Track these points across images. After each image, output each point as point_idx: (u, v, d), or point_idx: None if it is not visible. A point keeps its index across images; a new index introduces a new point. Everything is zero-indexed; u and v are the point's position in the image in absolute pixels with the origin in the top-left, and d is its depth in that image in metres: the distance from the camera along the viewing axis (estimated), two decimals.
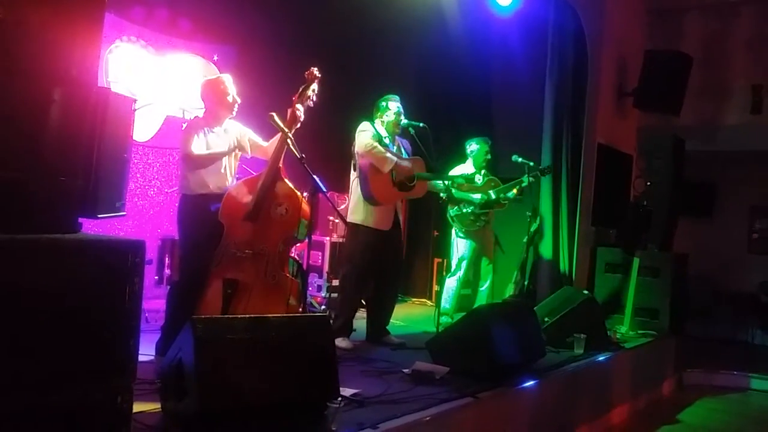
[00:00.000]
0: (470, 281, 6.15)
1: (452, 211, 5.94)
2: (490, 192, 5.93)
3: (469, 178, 5.65)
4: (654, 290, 6.75)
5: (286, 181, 4.01)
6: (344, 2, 6.35)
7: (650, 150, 7.49)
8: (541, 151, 6.63)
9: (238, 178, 4.21)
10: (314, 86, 4.06)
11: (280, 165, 3.99)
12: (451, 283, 6.07)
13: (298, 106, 4.00)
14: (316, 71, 4.07)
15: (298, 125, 4.01)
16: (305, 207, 3.95)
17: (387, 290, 5.14)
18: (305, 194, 4.26)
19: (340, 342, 4.77)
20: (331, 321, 4.96)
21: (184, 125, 4.22)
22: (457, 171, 5.98)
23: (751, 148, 8.10)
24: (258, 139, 4.21)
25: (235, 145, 4.12)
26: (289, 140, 3.91)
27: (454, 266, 6.13)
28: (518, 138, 6.49)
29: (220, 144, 4.04)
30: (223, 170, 4.06)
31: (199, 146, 3.94)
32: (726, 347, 8.45)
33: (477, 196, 5.91)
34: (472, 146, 6.04)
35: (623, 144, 7.74)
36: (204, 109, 4.18)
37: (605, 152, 7.20)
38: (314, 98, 4.08)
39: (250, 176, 4.17)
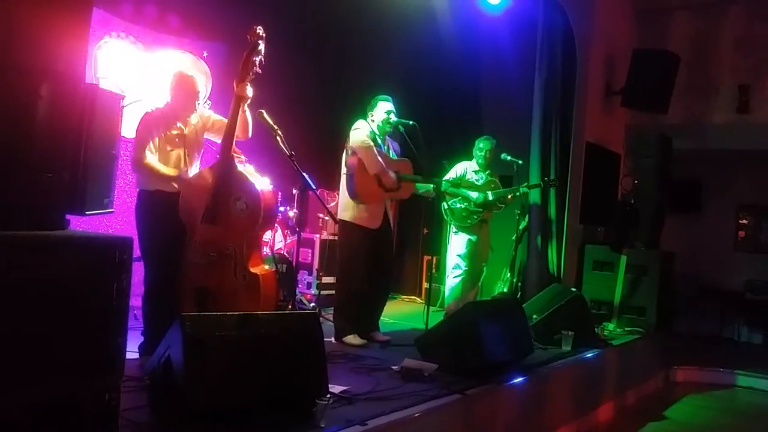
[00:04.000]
0: (475, 277, 6.07)
1: (448, 203, 5.93)
2: (488, 193, 5.93)
3: (456, 182, 5.64)
4: (641, 288, 6.79)
5: (242, 168, 3.75)
6: (334, 0, 6.35)
7: (638, 148, 7.54)
8: (530, 149, 6.65)
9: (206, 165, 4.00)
10: (260, 47, 3.67)
11: (234, 152, 3.73)
12: (452, 283, 6.03)
13: (245, 82, 3.67)
14: (260, 30, 3.69)
15: (248, 101, 3.75)
16: (266, 195, 3.72)
17: (377, 288, 5.15)
18: (295, 191, 4.22)
19: (351, 339, 4.82)
20: (333, 322, 4.98)
21: (145, 112, 3.90)
22: (459, 167, 6.00)
23: (737, 147, 8.16)
24: (223, 120, 3.95)
25: (195, 148, 3.95)
26: (278, 138, 3.86)
27: (451, 265, 6.06)
28: (507, 136, 6.51)
29: (176, 142, 3.82)
30: (181, 162, 3.84)
31: (152, 156, 3.73)
32: (712, 344, 8.51)
33: (474, 194, 5.91)
34: (479, 145, 6.06)
35: (611, 142, 7.79)
36: (168, 101, 3.97)
37: (593, 150, 7.23)
38: (262, 61, 3.68)
39: (205, 168, 3.90)
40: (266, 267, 3.85)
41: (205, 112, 4.03)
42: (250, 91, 3.75)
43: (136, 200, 3.87)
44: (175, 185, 3.81)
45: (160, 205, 3.76)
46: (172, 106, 3.93)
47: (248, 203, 3.66)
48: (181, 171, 3.86)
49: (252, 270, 3.70)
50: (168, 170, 3.78)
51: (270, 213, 3.80)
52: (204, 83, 3.92)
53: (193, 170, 3.94)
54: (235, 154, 3.80)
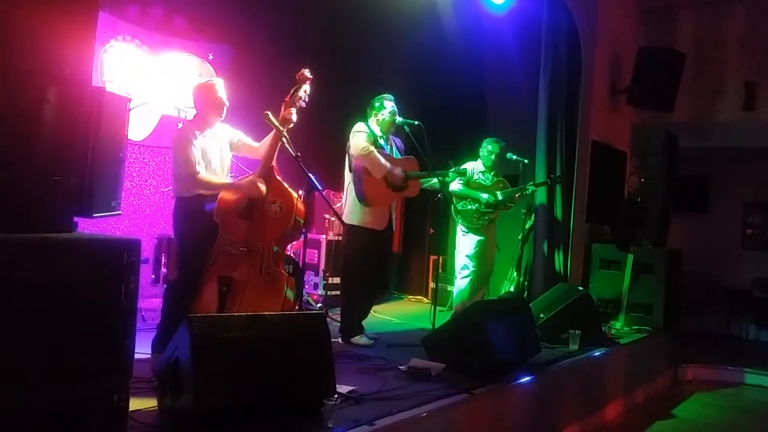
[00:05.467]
0: (483, 277, 6.06)
1: (458, 205, 5.93)
2: (498, 193, 5.94)
3: (461, 172, 5.59)
4: (648, 286, 6.78)
5: (279, 179, 4.03)
6: (339, 1, 6.36)
7: (644, 147, 7.53)
8: (536, 148, 6.64)
9: (232, 177, 4.22)
10: (305, 87, 4.07)
11: (273, 164, 4.01)
12: (460, 284, 6.01)
13: (291, 109, 4.01)
14: (307, 72, 4.08)
15: (291, 125, 4.03)
16: (299, 205, 3.98)
17: (372, 287, 5.15)
18: (301, 192, 4.29)
19: (359, 340, 4.86)
20: (339, 323, 5.00)
21: (180, 125, 4.19)
22: (466, 167, 5.99)
23: (744, 145, 8.14)
24: (248, 141, 4.22)
25: (225, 158, 4.14)
26: (284, 139, 3.93)
27: (459, 266, 6.04)
28: (513, 135, 6.50)
29: (212, 148, 4.04)
30: (216, 170, 4.07)
31: (198, 160, 3.91)
32: (720, 342, 8.49)
33: (485, 195, 5.91)
34: (487, 146, 6.05)
35: (617, 141, 7.77)
36: (195, 113, 4.20)
37: (599, 149, 7.22)
38: (306, 99, 4.09)
39: (243, 176, 4.18)
40: (289, 275, 4.01)
41: (233, 132, 4.21)
42: (295, 116, 4.03)
43: (174, 206, 4.08)
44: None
45: (196, 210, 3.96)
46: (201, 115, 4.11)
47: (282, 206, 3.95)
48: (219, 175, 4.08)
49: (277, 269, 3.89)
50: (220, 180, 4.02)
51: (299, 221, 4.02)
52: (222, 87, 4.06)
53: (225, 179, 4.15)
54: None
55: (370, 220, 4.90)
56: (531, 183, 6.14)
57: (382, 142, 4.98)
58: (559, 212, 6.66)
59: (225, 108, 4.09)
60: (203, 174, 3.91)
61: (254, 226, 3.91)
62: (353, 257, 4.97)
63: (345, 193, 5.04)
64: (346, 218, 4.92)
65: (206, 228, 3.93)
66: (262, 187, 3.88)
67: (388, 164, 4.85)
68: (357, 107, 5.26)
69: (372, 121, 5.02)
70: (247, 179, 3.99)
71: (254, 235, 3.90)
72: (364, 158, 4.81)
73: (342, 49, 7.04)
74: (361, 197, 4.86)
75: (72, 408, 2.20)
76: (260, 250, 3.88)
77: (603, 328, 6.01)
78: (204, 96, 4.07)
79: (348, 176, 4.98)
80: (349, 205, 4.95)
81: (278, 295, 3.85)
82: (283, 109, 4.03)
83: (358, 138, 4.84)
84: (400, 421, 3.15)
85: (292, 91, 4.06)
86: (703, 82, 8.15)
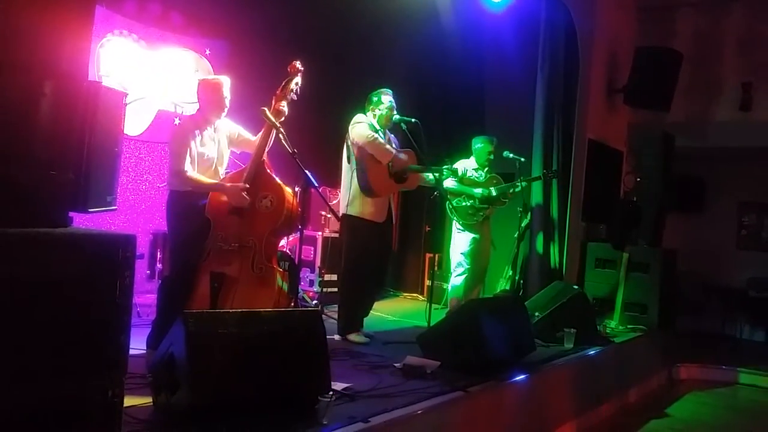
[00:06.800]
0: (478, 275, 6.05)
1: (453, 201, 5.93)
2: (491, 189, 5.93)
3: (453, 171, 5.56)
4: (643, 285, 6.80)
5: (271, 173, 4.02)
6: None
7: (640, 146, 7.54)
8: (533, 146, 6.65)
9: (227, 172, 4.20)
10: (297, 79, 4.05)
11: (264, 158, 3.99)
12: (455, 281, 6.00)
13: (282, 101, 3.99)
14: (298, 64, 4.06)
15: (283, 118, 4.00)
16: (290, 199, 3.95)
17: (372, 283, 5.14)
18: (297, 189, 4.29)
19: (354, 337, 4.84)
20: (335, 320, 5.00)
21: (177, 120, 4.18)
22: (459, 165, 5.97)
23: (740, 145, 8.14)
24: (248, 135, 4.20)
25: (224, 154, 4.13)
26: (281, 135, 3.91)
27: (454, 264, 6.04)
28: (510, 133, 6.51)
29: (210, 144, 4.03)
30: (212, 167, 4.06)
31: (190, 161, 3.91)
32: (715, 342, 8.51)
33: (478, 190, 5.91)
34: (478, 144, 6.04)
35: (614, 140, 7.78)
36: (197, 108, 4.18)
37: (596, 148, 7.23)
38: (297, 91, 4.07)
39: (236, 170, 4.16)
40: (283, 270, 3.98)
41: (233, 127, 4.20)
42: (286, 108, 4.02)
43: (167, 199, 4.06)
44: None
45: (189, 204, 3.95)
46: (202, 112, 4.10)
47: (273, 201, 3.91)
48: (213, 171, 4.06)
49: (269, 264, 3.86)
50: (209, 180, 3.98)
51: (291, 215, 3.99)
52: (228, 86, 4.08)
53: (221, 174, 4.13)
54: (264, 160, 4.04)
55: (370, 212, 4.86)
56: (522, 177, 6.10)
57: (380, 134, 4.97)
58: (555, 211, 6.67)
59: (226, 109, 4.08)
60: (191, 173, 3.89)
61: (246, 221, 3.88)
62: (353, 252, 4.91)
63: (342, 185, 5.01)
64: (343, 209, 4.88)
65: (199, 223, 3.92)
66: (246, 197, 3.85)
67: (393, 149, 4.84)
68: (354, 103, 5.24)
69: (369, 116, 5.00)
70: (234, 186, 3.93)
71: (246, 231, 3.87)
72: (370, 145, 4.77)
73: (340, 45, 7.03)
74: (366, 187, 4.81)
75: (66, 404, 2.19)
76: (252, 246, 3.85)
77: (598, 326, 6.02)
78: (209, 93, 4.05)
79: (345, 169, 4.94)
80: (350, 195, 4.87)
81: (270, 290, 3.81)
82: (274, 102, 4.01)
83: (361, 127, 4.82)
84: (395, 419, 3.15)
85: (283, 84, 4.04)
86: (700, 82, 8.17)
